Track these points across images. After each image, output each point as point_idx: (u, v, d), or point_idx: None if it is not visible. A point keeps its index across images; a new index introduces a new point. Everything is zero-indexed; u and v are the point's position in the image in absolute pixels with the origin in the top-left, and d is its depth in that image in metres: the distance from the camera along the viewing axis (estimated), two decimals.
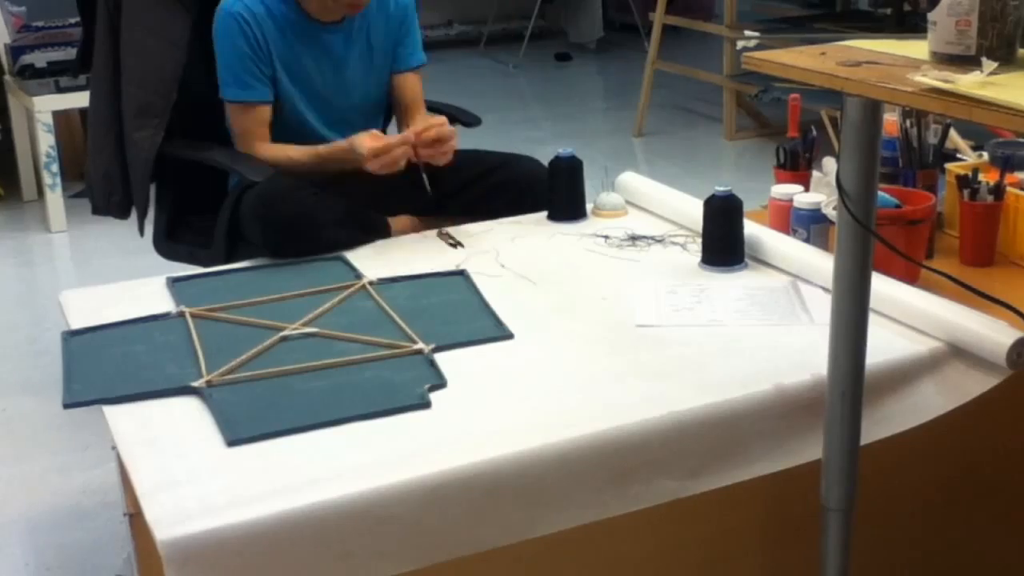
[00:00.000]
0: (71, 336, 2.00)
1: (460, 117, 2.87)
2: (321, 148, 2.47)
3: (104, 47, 2.68)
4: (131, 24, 2.63)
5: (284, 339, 1.93)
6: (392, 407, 1.70)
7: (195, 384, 1.77)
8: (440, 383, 1.77)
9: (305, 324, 1.98)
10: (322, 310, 2.04)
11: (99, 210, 2.76)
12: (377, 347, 1.89)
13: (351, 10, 2.49)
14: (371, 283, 2.16)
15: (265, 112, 2.50)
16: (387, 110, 2.75)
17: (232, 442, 1.62)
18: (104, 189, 2.72)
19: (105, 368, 1.87)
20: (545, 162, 2.60)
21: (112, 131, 2.68)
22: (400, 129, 2.63)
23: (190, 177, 2.65)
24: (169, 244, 2.70)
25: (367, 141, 2.36)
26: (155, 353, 1.91)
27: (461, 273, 2.20)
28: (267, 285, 2.17)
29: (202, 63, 2.58)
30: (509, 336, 1.93)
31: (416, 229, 2.51)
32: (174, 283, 2.20)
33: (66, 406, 1.78)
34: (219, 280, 2.24)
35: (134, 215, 2.73)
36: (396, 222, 2.51)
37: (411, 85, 2.66)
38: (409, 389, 1.75)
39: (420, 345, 1.88)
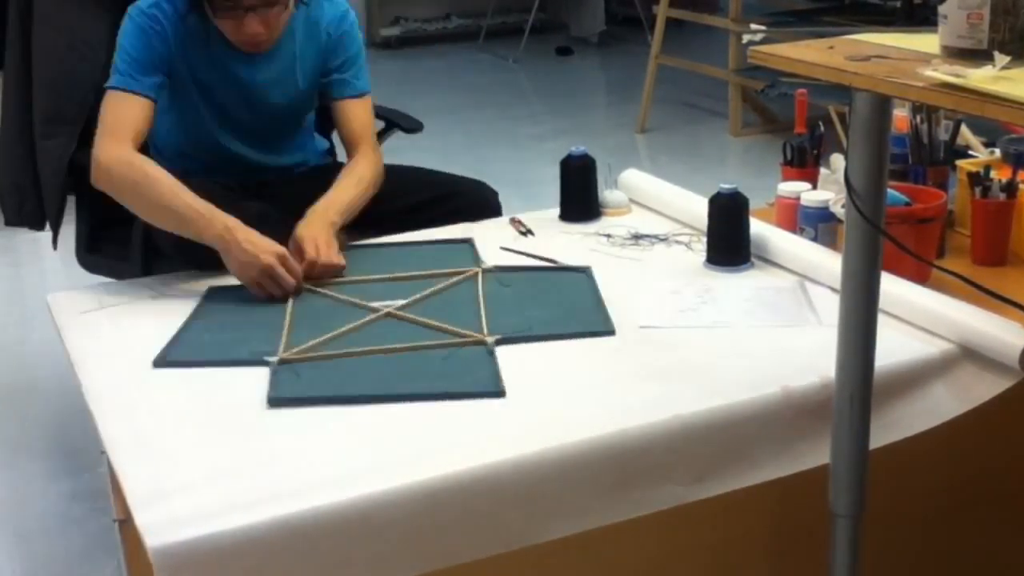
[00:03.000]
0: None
1: (401, 123, 2.84)
2: (193, 205, 2.14)
3: (15, 50, 2.61)
4: (42, 25, 2.55)
5: (370, 322, 2.01)
6: (460, 391, 1.76)
7: (270, 359, 1.86)
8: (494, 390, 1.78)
9: (404, 307, 2.05)
10: (426, 294, 2.10)
11: (11, 222, 2.68)
12: (445, 334, 1.95)
13: (252, 48, 2.35)
14: (487, 270, 2.20)
15: (143, 107, 2.28)
16: (319, 125, 2.70)
17: (272, 401, 1.73)
18: (15, 199, 2.65)
19: (200, 335, 1.99)
20: (551, 162, 2.58)
21: (23, 139, 2.60)
22: (348, 156, 2.51)
23: None
24: (90, 257, 2.62)
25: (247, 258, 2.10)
26: (247, 327, 2.02)
27: (585, 270, 2.21)
28: (386, 264, 2.26)
29: None
30: (610, 332, 1.94)
31: (342, 243, 2.34)
32: None
33: (155, 364, 1.89)
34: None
35: None
36: None
37: (356, 115, 2.49)
38: (473, 377, 1.81)
39: (484, 336, 1.92)
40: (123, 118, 2.26)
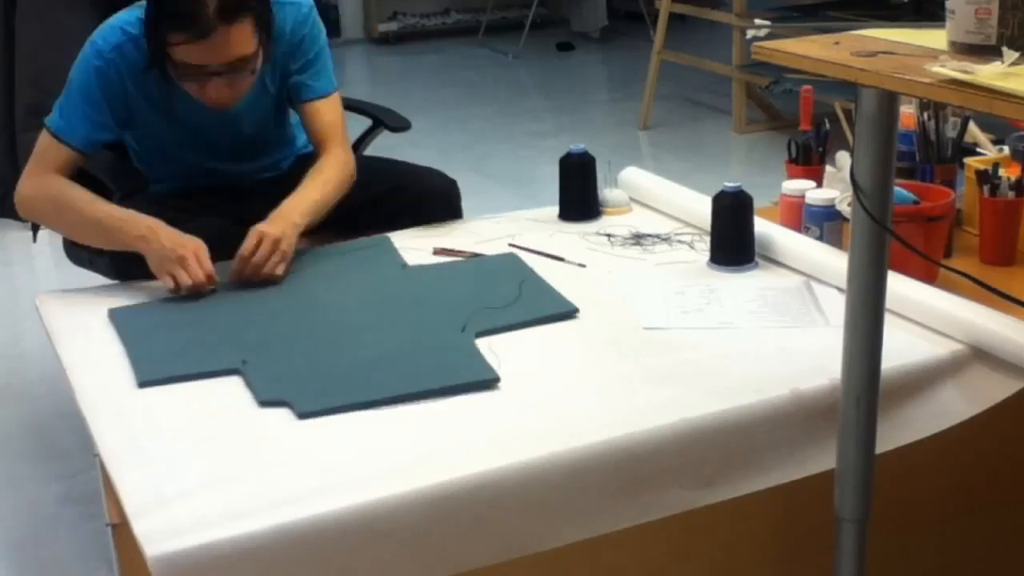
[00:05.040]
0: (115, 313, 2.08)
1: (387, 121, 2.81)
2: (114, 214, 2.24)
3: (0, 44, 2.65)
4: (27, 19, 2.58)
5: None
6: (458, 383, 1.77)
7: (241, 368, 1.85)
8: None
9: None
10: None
11: None
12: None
13: (218, 107, 2.28)
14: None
15: (72, 158, 2.30)
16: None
17: (302, 414, 1.71)
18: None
19: (163, 348, 1.96)
20: (552, 160, 2.58)
21: (6, 131, 2.63)
22: (316, 157, 2.49)
23: (95, 179, 2.53)
24: (73, 249, 2.59)
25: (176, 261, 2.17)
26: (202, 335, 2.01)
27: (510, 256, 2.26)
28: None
29: None
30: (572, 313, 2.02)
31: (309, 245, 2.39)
32: None
33: (142, 384, 1.85)
34: None
35: None
36: None
37: (321, 115, 2.45)
38: (470, 366, 1.83)
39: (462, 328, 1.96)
40: (49, 159, 2.30)
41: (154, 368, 1.88)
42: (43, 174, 2.28)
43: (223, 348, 1.94)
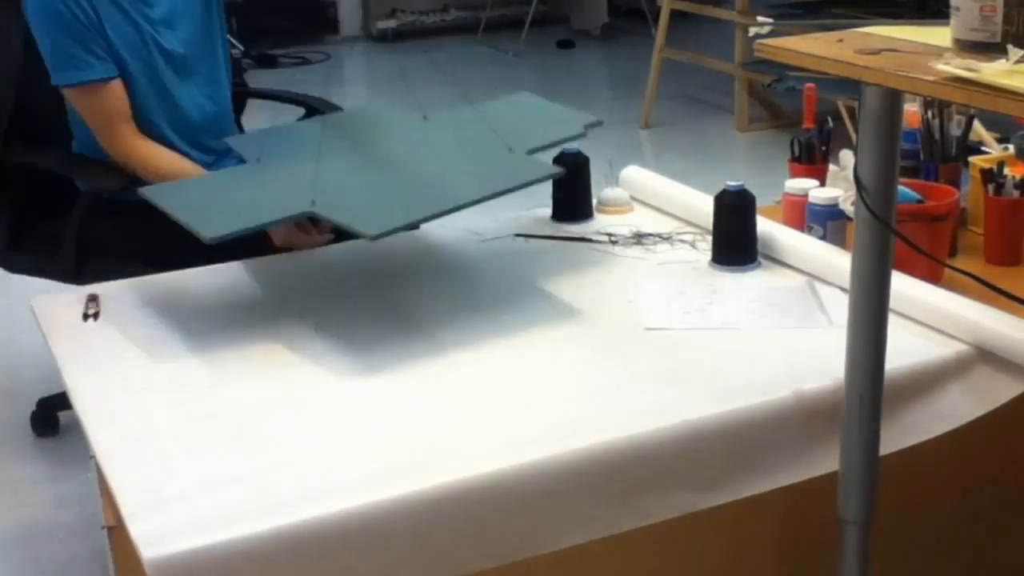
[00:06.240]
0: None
1: (323, 111, 2.77)
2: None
3: None
4: None
5: None
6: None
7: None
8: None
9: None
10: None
11: None
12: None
13: None
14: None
15: (117, 91, 2.34)
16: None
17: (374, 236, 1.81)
18: None
19: (222, 206, 2.00)
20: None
21: None
22: None
23: (34, 182, 2.55)
24: (12, 255, 2.61)
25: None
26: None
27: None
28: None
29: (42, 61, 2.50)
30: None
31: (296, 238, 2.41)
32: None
33: (211, 240, 1.82)
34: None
35: None
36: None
37: None
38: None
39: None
40: (102, 113, 2.34)
41: (220, 223, 1.83)
42: (119, 136, 2.34)
43: (288, 195, 1.94)
